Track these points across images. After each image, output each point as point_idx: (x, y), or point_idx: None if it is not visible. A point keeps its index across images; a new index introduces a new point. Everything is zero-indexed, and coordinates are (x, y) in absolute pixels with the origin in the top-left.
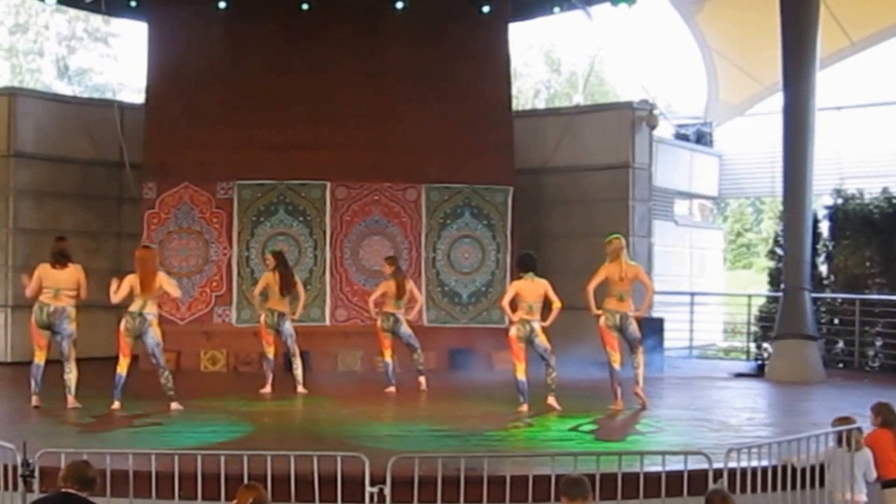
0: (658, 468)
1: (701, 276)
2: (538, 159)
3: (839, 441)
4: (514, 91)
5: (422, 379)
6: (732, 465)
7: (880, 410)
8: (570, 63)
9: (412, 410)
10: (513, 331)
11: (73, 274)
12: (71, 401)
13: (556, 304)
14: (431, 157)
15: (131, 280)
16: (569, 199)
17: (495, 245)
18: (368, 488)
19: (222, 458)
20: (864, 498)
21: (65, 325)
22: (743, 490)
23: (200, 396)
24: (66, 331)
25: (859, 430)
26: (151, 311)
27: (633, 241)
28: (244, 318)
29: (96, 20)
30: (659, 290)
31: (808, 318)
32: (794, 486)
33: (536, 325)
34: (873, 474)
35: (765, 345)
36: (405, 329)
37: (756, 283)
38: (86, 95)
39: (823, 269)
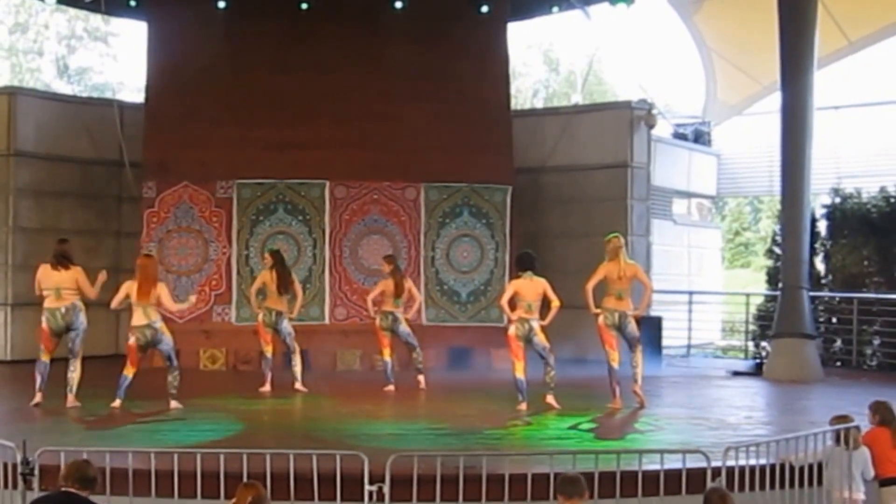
0: (656, 467)
1: (699, 274)
2: (537, 158)
3: (837, 439)
4: (512, 90)
5: (421, 378)
6: (731, 463)
7: (878, 409)
8: (568, 62)
9: (411, 409)
10: (512, 329)
11: (73, 275)
12: (71, 399)
13: (555, 303)
14: (430, 156)
15: (128, 287)
16: (567, 199)
17: (494, 244)
18: (367, 487)
19: (222, 457)
20: (862, 496)
21: (80, 320)
22: (741, 488)
23: (200, 395)
24: (82, 325)
25: (857, 428)
26: (156, 317)
27: (632, 240)
28: (243, 317)
29: (96, 19)
30: (657, 289)
31: (806, 316)
32: (792, 485)
33: (535, 324)
34: (871, 473)
35: (763, 343)
36: (404, 328)
37: (754, 282)
38: (85, 95)
39: (821, 267)
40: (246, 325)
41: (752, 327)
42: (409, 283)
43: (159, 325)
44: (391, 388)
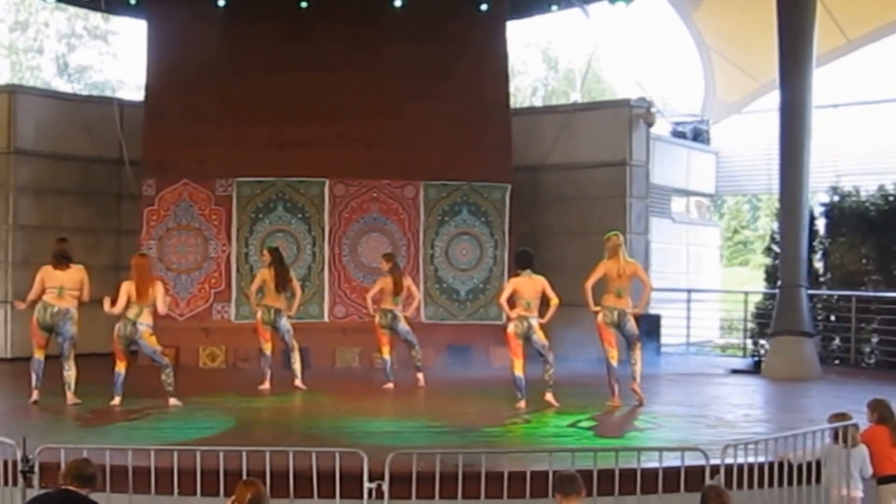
0: (655, 464)
1: (698, 272)
2: (536, 157)
3: (835, 437)
4: (511, 89)
5: (420, 375)
6: (729, 461)
7: (876, 407)
8: (567, 61)
9: (410, 407)
10: (511, 327)
11: (75, 274)
12: (70, 397)
13: (554, 301)
14: (429, 154)
15: (128, 288)
16: (566, 197)
17: (493, 242)
18: (367, 484)
19: (221, 454)
20: (860, 494)
21: (67, 327)
22: (740, 486)
23: (199, 393)
24: (68, 333)
25: (855, 426)
26: (146, 321)
27: (631, 238)
28: (243, 315)
29: (96, 18)
30: (656, 287)
31: (804, 314)
32: (790, 483)
33: (534, 322)
34: (869, 470)
35: (761, 341)
36: (403, 326)
37: (753, 280)
38: (85, 93)
39: (820, 265)
40: (245, 323)
41: (750, 325)
42: (408, 281)
43: (143, 328)
44: (390, 385)
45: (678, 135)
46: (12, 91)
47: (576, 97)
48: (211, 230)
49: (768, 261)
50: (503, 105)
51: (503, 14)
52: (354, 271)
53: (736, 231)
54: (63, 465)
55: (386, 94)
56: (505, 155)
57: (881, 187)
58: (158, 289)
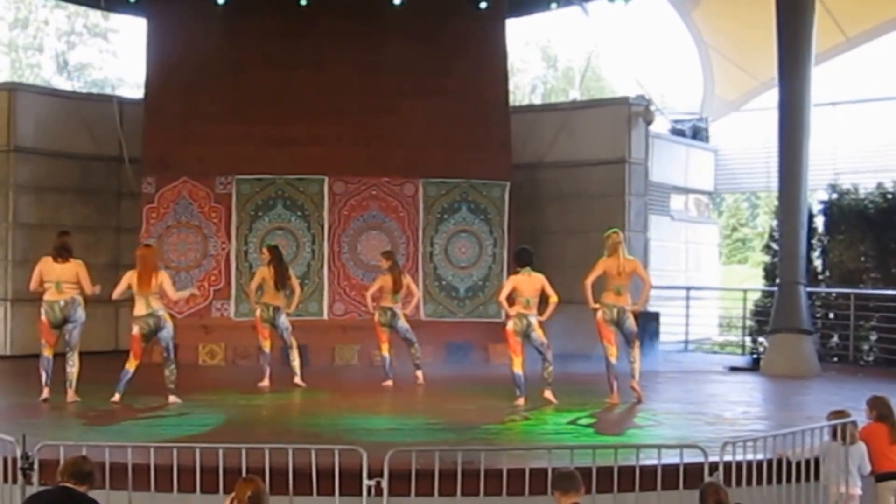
0: (654, 461)
1: (696, 270)
2: (535, 154)
3: (834, 435)
4: (511, 86)
5: (419, 373)
6: (728, 458)
7: (875, 404)
8: (566, 59)
9: (409, 404)
10: (510, 325)
11: (73, 268)
12: (70, 394)
13: (553, 299)
14: (429, 152)
15: (129, 277)
16: (565, 194)
17: (492, 240)
18: (366, 481)
19: (220, 452)
20: (858, 491)
21: (79, 313)
22: (738, 483)
23: (199, 390)
24: (80, 318)
25: (854, 423)
26: (158, 306)
27: (630, 236)
28: (242, 312)
29: (96, 16)
30: (655, 285)
31: (803, 312)
32: (789, 480)
33: (533, 320)
34: (867, 468)
35: (760, 339)
36: (402, 323)
37: (751, 278)
38: (85, 91)
39: (818, 263)
40: (245, 321)
41: (749, 323)
42: (407, 279)
43: (162, 312)
44: (389, 383)
45: (677, 133)
46: (12, 89)
47: (575, 95)
48: (210, 228)
49: (767, 258)
50: (502, 103)
51: (502, 12)
52: (354, 269)
53: (735, 229)
54: (62, 463)
55: (385, 91)
56: (504, 153)
57: (880, 185)
58: (164, 277)
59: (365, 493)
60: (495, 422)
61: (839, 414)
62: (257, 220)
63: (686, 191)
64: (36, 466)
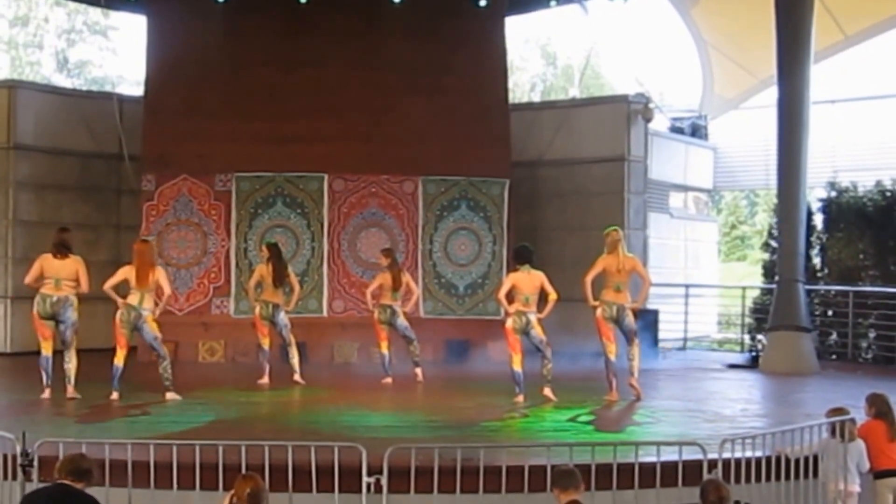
0: (653, 458)
1: (696, 268)
2: (534, 152)
3: (833, 432)
4: (510, 84)
5: (418, 370)
6: (727, 455)
7: (874, 401)
8: (566, 57)
9: (409, 401)
10: (509, 322)
11: (73, 264)
12: (70, 391)
13: (552, 296)
14: (428, 149)
15: (126, 271)
16: (565, 192)
17: (491, 237)
18: (365, 478)
19: (220, 449)
20: (857, 488)
21: (68, 314)
22: (737, 480)
23: (198, 387)
24: (70, 319)
25: (853, 421)
26: (148, 305)
27: (629, 234)
28: (242, 310)
29: (96, 13)
30: (654, 283)
31: (801, 309)
32: (787, 477)
33: (532, 317)
34: (866, 465)
35: (759, 336)
36: (402, 321)
37: (750, 276)
38: (85, 88)
39: (817, 261)
40: (244, 318)
41: (748, 320)
42: (406, 277)
43: (146, 313)
44: (389, 380)
45: (676, 130)
46: (12, 86)
47: (574, 93)
48: (210, 225)
49: (766, 256)
50: (502, 100)
51: (502, 10)
52: (353, 266)
53: (734, 226)
54: (59, 460)
55: (385, 89)
56: (504, 150)
57: (879, 183)
58: (160, 272)
59: (364, 489)
60: (494, 419)
61: (838, 411)
62: (257, 217)
63: (685, 188)
64: (36, 463)
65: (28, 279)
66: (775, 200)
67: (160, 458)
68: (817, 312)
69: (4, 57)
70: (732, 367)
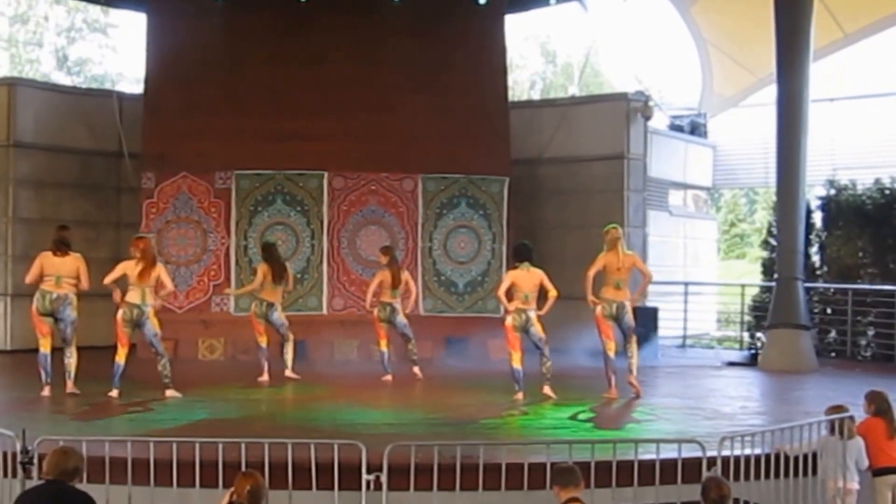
0: (652, 456)
1: (695, 265)
2: (534, 150)
3: (832, 429)
4: (510, 82)
5: (416, 369)
6: (726, 453)
7: (874, 399)
8: (565, 54)
9: (408, 399)
10: (509, 320)
11: (73, 262)
12: (70, 386)
13: (552, 293)
14: (428, 147)
15: (126, 266)
16: (564, 190)
17: (491, 235)
18: (365, 476)
19: (220, 446)
20: (856, 486)
21: (67, 312)
22: (736, 478)
23: (198, 384)
24: (69, 317)
25: (852, 418)
26: (150, 301)
27: (628, 232)
28: (242, 307)
29: (95, 11)
30: (653, 280)
31: (800, 307)
32: (786, 474)
33: (532, 315)
34: (865, 462)
35: (758, 334)
36: (401, 319)
37: (749, 273)
38: (85, 86)
39: (816, 259)
40: (244, 316)
41: (747, 318)
42: (405, 275)
43: (148, 309)
44: (388, 378)
45: (675, 128)
46: (12, 84)
47: (574, 91)
48: (210, 223)
49: (765, 254)
50: (501, 98)
51: (502, 7)
52: (353, 264)
53: (733, 224)
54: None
55: (385, 87)
56: (503, 148)
57: (877, 181)
58: (161, 269)
59: (364, 487)
60: (494, 416)
61: (837, 409)
62: (257, 215)
63: (684, 186)
64: (36, 461)
65: (29, 278)
66: (774, 198)
67: (160, 455)
68: (816, 310)
69: (4, 54)
70: (731, 364)
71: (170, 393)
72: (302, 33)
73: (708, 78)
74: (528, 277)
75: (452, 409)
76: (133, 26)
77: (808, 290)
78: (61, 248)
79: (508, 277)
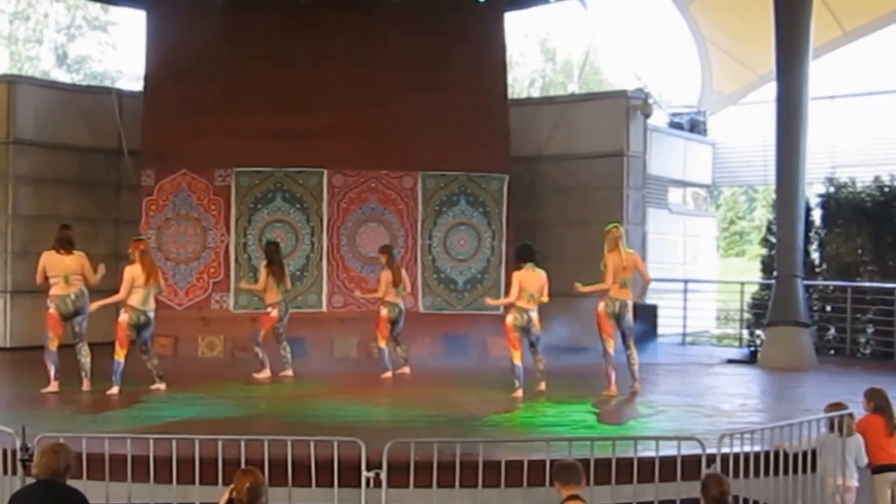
0: (652, 453)
1: (694, 263)
2: (533, 147)
3: (831, 427)
4: (509, 80)
5: (406, 368)
6: (725, 450)
7: (873, 396)
8: (565, 52)
9: (408, 396)
10: (510, 319)
11: (77, 260)
12: (86, 384)
13: (544, 300)
14: (428, 144)
15: (132, 271)
16: (564, 187)
17: (491, 232)
18: (365, 473)
19: (220, 443)
20: (855, 483)
21: (87, 305)
22: (735, 475)
23: (198, 382)
24: (87, 309)
25: (851, 416)
26: (153, 305)
27: (628, 229)
28: (242, 305)
29: (95, 8)
30: (653, 278)
31: (800, 305)
32: (786, 472)
33: (534, 315)
34: (864, 460)
35: (757, 332)
36: (402, 322)
37: (749, 271)
38: (85, 83)
39: (816, 256)
40: (244, 313)
41: (746, 315)
42: (404, 275)
43: (153, 314)
44: (388, 375)
45: (675, 126)
46: (12, 81)
47: (573, 88)
48: (209, 220)
49: (764, 251)
50: (501, 96)
51: (501, 5)
52: (353, 261)
53: (732, 222)
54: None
55: (384, 84)
56: (503, 145)
57: (877, 178)
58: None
59: (364, 484)
60: (494, 413)
61: (836, 406)
62: (256, 212)
63: (684, 184)
64: (35, 458)
65: (38, 279)
66: (774, 196)
67: (160, 452)
68: (816, 308)
69: (4, 52)
70: (731, 362)
71: (156, 386)
72: (302, 31)
73: (707, 75)
74: (534, 278)
75: (452, 407)
76: (133, 23)
77: (807, 287)
78: (65, 246)
79: (516, 279)
